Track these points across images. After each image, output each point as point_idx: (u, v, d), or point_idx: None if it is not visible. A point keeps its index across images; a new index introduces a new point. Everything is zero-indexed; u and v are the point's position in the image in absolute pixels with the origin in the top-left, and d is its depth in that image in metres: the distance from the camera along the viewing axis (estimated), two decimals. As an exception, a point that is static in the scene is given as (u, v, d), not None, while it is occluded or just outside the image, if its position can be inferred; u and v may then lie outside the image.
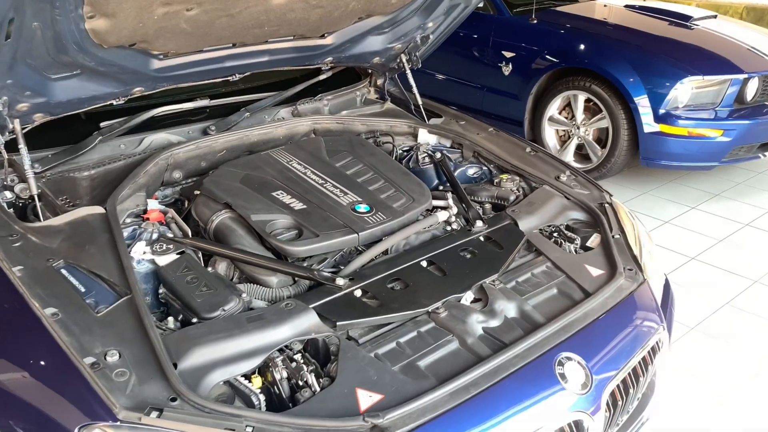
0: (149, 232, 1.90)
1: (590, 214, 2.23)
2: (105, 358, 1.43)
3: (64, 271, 1.66)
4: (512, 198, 2.30)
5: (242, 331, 1.54)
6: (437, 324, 1.69)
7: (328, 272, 1.82)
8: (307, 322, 1.60)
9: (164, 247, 1.80)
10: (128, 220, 1.99)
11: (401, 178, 2.23)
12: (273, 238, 1.88)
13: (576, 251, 2.09)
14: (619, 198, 2.32)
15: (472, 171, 2.55)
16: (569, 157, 4.83)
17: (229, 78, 2.41)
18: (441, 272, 1.86)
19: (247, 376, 1.52)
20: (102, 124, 2.33)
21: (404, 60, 2.83)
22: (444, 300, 1.74)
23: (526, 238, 2.06)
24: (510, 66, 4.99)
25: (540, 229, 2.13)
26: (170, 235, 1.89)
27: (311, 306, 1.65)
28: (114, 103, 2.18)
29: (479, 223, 2.06)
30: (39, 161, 2.13)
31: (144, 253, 1.80)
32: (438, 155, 2.52)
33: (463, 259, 1.93)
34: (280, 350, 1.56)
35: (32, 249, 1.72)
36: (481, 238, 2.03)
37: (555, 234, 2.12)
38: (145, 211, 2.03)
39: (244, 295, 1.68)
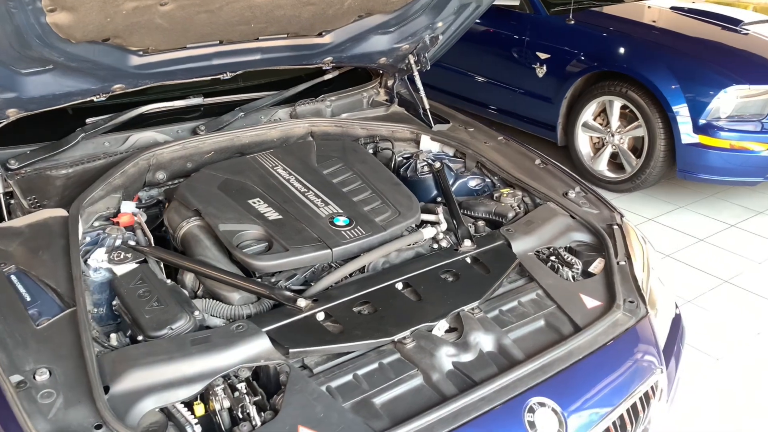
0: (112, 238, 1.80)
1: (596, 235, 2.04)
2: (34, 377, 1.33)
3: (13, 278, 1.58)
4: (511, 215, 2.12)
5: (184, 355, 1.43)
6: (403, 356, 1.54)
7: (293, 291, 1.69)
8: (257, 348, 1.48)
9: (122, 256, 1.71)
10: (96, 224, 1.91)
11: (391, 189, 2.09)
12: (238, 250, 1.76)
13: (574, 278, 1.91)
14: (652, 212, 2.13)
15: (473, 183, 2.38)
16: (602, 165, 4.59)
17: (219, 76, 2.30)
18: (416, 296, 1.71)
19: (190, 404, 1.40)
20: (88, 121, 2.26)
21: (412, 61, 2.68)
22: (413, 329, 1.59)
23: (518, 261, 1.89)
24: (544, 68, 4.78)
25: (537, 252, 1.96)
26: (133, 243, 1.80)
27: (266, 329, 1.52)
28: (95, 99, 2.09)
29: (467, 243, 1.90)
30: (16, 157, 2.07)
31: (102, 261, 1.70)
32: (437, 164, 2.36)
33: (444, 283, 1.77)
34: (226, 377, 1.44)
35: None
36: (468, 260, 1.87)
37: (552, 257, 1.95)
38: (116, 214, 1.94)
39: (196, 313, 1.57)
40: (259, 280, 1.76)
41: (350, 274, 1.79)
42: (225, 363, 1.44)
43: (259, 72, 2.58)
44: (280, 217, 1.89)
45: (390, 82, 2.88)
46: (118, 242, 1.79)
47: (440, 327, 1.63)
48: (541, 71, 4.80)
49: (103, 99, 2.11)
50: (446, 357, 1.54)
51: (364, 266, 1.82)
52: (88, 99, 2.08)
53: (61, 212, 1.81)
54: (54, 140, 2.15)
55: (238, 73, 2.34)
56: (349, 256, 1.83)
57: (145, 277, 1.64)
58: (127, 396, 1.35)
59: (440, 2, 2.38)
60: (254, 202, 1.94)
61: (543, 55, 4.79)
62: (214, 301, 1.67)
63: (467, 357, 1.56)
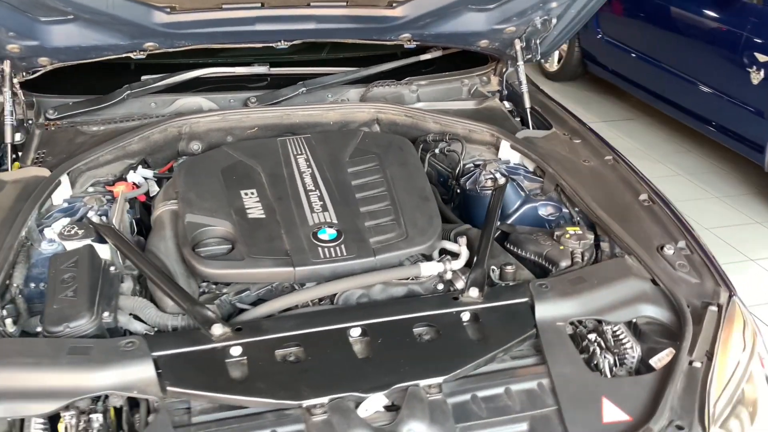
0: (86, 209, 1.66)
1: (676, 315, 1.46)
2: None
3: None
4: (564, 264, 1.60)
5: (53, 363, 1.22)
6: (312, 426, 1.18)
7: (217, 313, 1.39)
8: (136, 374, 1.22)
9: (72, 231, 1.54)
10: (91, 189, 1.78)
11: (415, 203, 1.68)
12: (187, 247, 1.51)
13: (610, 371, 1.37)
14: None
15: (545, 211, 1.86)
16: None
17: (273, 45, 2.04)
18: (367, 352, 1.32)
19: (53, 419, 1.20)
20: (143, 78, 2.15)
21: (518, 48, 2.18)
22: (335, 396, 1.21)
23: (536, 330, 1.39)
24: (762, 73, 3.83)
25: (573, 322, 1.44)
26: (97, 219, 1.63)
27: (157, 353, 1.26)
28: (132, 57, 1.96)
29: (473, 292, 1.44)
30: (57, 108, 2.02)
31: (55, 233, 1.56)
32: (502, 180, 1.88)
33: (412, 341, 1.35)
34: (96, 399, 1.21)
35: None
36: (465, 316, 1.41)
37: (593, 335, 1.42)
38: (113, 183, 1.80)
39: (105, 314, 1.35)
40: (202, 288, 1.50)
41: (309, 303, 1.45)
42: (94, 384, 1.21)
43: (348, 45, 2.27)
44: (263, 216, 1.60)
45: (504, 70, 2.40)
46: (91, 214, 1.64)
47: (374, 402, 1.23)
48: (757, 77, 3.86)
49: (142, 57, 1.98)
50: (355, 446, 1.15)
51: (332, 298, 1.47)
52: (124, 55, 1.95)
53: (45, 172, 1.70)
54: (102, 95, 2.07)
55: (295, 42, 2.06)
56: (317, 279, 1.49)
57: (81, 260, 1.45)
58: None
59: None
60: (246, 194, 1.67)
61: (763, 58, 3.84)
62: (145, 303, 1.44)
63: None
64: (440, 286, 1.52)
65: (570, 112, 2.28)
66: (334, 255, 1.49)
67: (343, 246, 1.51)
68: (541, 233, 1.72)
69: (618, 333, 1.46)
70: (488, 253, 1.57)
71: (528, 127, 2.15)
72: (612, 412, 1.25)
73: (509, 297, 1.46)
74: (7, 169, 1.80)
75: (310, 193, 1.68)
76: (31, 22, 1.74)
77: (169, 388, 1.21)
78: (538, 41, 2.16)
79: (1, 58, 1.81)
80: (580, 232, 1.67)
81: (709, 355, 1.36)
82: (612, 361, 1.39)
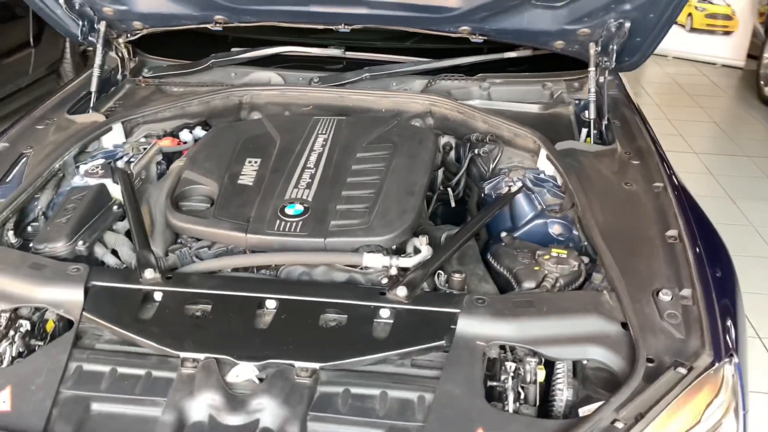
0: (122, 154, 1.88)
1: (631, 366, 1.26)
2: None
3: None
4: (527, 285, 1.46)
5: (13, 272, 1.43)
6: (176, 378, 1.24)
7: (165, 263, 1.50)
8: (66, 296, 1.38)
9: (94, 170, 1.77)
10: (142, 139, 2.00)
11: (397, 195, 1.63)
12: (168, 198, 1.64)
13: (515, 405, 1.23)
14: None
15: (556, 229, 1.69)
16: None
17: (334, 27, 2.10)
18: (267, 324, 1.34)
19: None
20: (233, 50, 2.35)
21: (592, 53, 1.98)
22: (210, 356, 1.26)
23: (445, 343, 1.30)
24: None
25: (504, 347, 1.31)
26: (125, 167, 1.82)
27: (93, 283, 1.41)
28: (210, 27, 2.15)
29: (401, 291, 1.38)
30: (153, 68, 2.30)
31: (83, 170, 1.80)
32: (516, 187, 1.75)
33: (314, 324, 1.34)
34: (40, 309, 1.40)
35: (33, 136, 1.90)
36: (384, 312, 1.36)
37: (512, 364, 1.28)
38: (162, 137, 2.01)
39: (80, 243, 1.53)
40: (181, 239, 1.62)
41: (252, 269, 1.51)
42: (34, 296, 1.39)
43: (435, 37, 2.25)
44: (249, 184, 1.68)
45: (602, 79, 2.19)
46: (123, 160, 1.85)
47: (244, 370, 1.25)
48: None
49: (219, 29, 2.16)
50: (205, 405, 1.19)
51: (276, 269, 1.51)
52: (203, 25, 2.15)
53: (101, 118, 1.95)
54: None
55: (357, 26, 2.10)
56: (266, 249, 1.53)
57: (87, 195, 1.66)
58: None
59: None
60: (249, 162, 1.76)
61: None
62: (124, 241, 1.61)
63: (231, 419, 1.18)
64: (384, 281, 1.48)
65: (650, 131, 2.02)
66: (287, 229, 1.52)
67: (300, 223, 1.54)
68: (527, 249, 1.57)
69: (558, 371, 1.30)
70: (448, 257, 1.49)
71: (596, 140, 1.96)
72: (478, 443, 1.14)
73: (438, 304, 1.37)
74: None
75: (305, 171, 1.73)
76: (117, -14, 2.00)
77: (84, 314, 1.35)
78: (615, 47, 1.95)
79: (99, 19, 2.11)
80: (564, 256, 1.50)
81: (639, 418, 1.17)
82: (522, 396, 1.25)
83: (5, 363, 1.29)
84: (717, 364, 1.27)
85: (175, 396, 1.20)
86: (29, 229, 1.66)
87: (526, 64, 2.32)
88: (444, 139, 2.09)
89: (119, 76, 2.26)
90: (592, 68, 1.99)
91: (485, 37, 2.08)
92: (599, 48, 1.98)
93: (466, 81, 2.21)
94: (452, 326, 1.31)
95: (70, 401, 1.20)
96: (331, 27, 2.11)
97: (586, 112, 2.13)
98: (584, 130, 2.03)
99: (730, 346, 1.35)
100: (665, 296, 1.38)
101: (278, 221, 1.55)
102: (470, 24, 2.01)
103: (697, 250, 1.53)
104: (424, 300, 1.38)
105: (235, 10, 2.05)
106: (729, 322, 1.42)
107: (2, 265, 1.44)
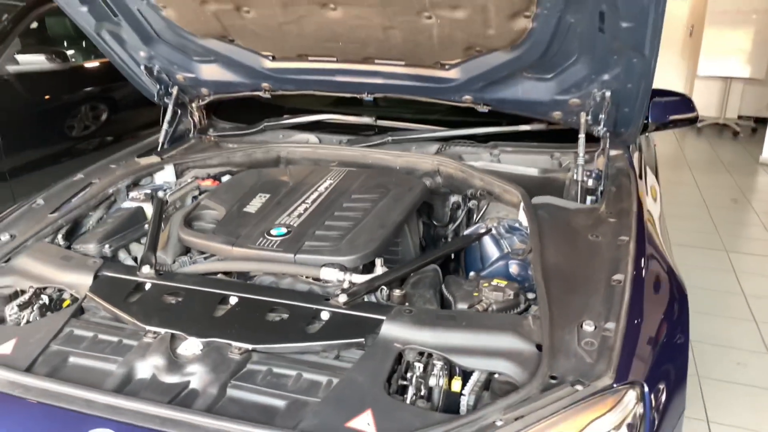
0: (166, 188, 2.25)
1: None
2: None
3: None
4: (460, 306, 1.60)
5: (49, 261, 1.79)
6: (138, 345, 1.50)
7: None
8: (80, 281, 1.71)
9: (138, 196, 2.15)
10: (189, 179, 2.38)
11: (370, 227, 1.85)
12: (182, 218, 1.96)
13: (412, 398, 1.36)
14: None
15: (514, 270, 1.81)
16: None
17: (359, 96, 2.42)
18: (223, 313, 1.58)
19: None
20: (284, 116, 2.74)
21: (582, 121, 2.14)
22: (168, 330, 1.51)
23: (363, 340, 1.47)
24: None
25: (423, 352, 1.46)
26: (163, 196, 2.18)
27: (103, 273, 1.73)
28: (261, 95, 2.55)
29: (342, 298, 1.57)
30: (218, 129, 2.74)
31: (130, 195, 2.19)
32: (483, 230, 1.90)
33: (260, 316, 1.56)
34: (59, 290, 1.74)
35: (104, 171, 2.34)
36: (323, 314, 1.56)
37: (420, 364, 1.42)
38: (205, 179, 2.38)
39: (106, 247, 1.89)
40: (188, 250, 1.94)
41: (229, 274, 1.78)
42: (55, 278, 1.73)
43: (459, 110, 2.51)
44: (252, 212, 1.97)
45: (615, 152, 2.32)
46: (160, 193, 2.22)
47: (192, 344, 1.48)
48: None
49: (268, 97, 2.55)
50: (151, 366, 1.43)
51: (250, 274, 1.77)
52: (253, 93, 2.55)
53: (156, 160, 2.36)
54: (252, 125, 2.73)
55: (377, 95, 2.40)
56: (247, 260, 1.79)
57: (126, 213, 2.05)
58: None
59: (591, 45, 1.89)
60: (260, 196, 2.07)
61: None
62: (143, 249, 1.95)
63: (167, 378, 1.41)
64: (338, 292, 1.67)
65: (640, 199, 2.09)
66: (266, 246, 1.78)
67: (279, 241, 1.79)
68: (476, 280, 1.71)
69: (469, 380, 1.42)
70: (393, 277, 1.67)
71: (581, 201, 2.08)
72: (363, 423, 1.28)
73: (370, 311, 1.55)
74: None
75: (301, 204, 2.00)
76: (188, 60, 2.46)
77: (88, 294, 1.67)
78: (603, 116, 2.09)
79: (173, 84, 2.58)
80: (502, 285, 1.63)
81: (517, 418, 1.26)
82: (421, 393, 1.37)
83: (22, 324, 1.63)
84: (615, 386, 1.33)
85: (130, 357, 1.45)
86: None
87: (539, 137, 2.49)
88: (453, 198, 2.29)
89: (191, 135, 2.70)
90: (581, 135, 2.14)
91: (489, 107, 2.30)
92: (590, 117, 2.13)
93: (477, 147, 2.42)
94: (377, 329, 1.49)
95: (54, 353, 1.50)
96: (356, 95, 2.43)
97: (590, 181, 2.26)
98: (589, 198, 2.14)
99: (641, 375, 1.40)
100: (588, 327, 1.46)
101: (262, 239, 1.81)
102: (471, 94, 2.25)
103: (638, 293, 1.59)
104: (361, 307, 1.57)
105: (277, 79, 2.44)
106: (651, 356, 1.46)
107: (40, 254, 1.81)
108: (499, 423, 1.26)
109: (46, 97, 4.26)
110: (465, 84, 2.19)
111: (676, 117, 2.70)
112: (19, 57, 3.98)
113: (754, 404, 2.84)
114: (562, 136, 2.44)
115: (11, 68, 3.95)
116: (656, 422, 1.39)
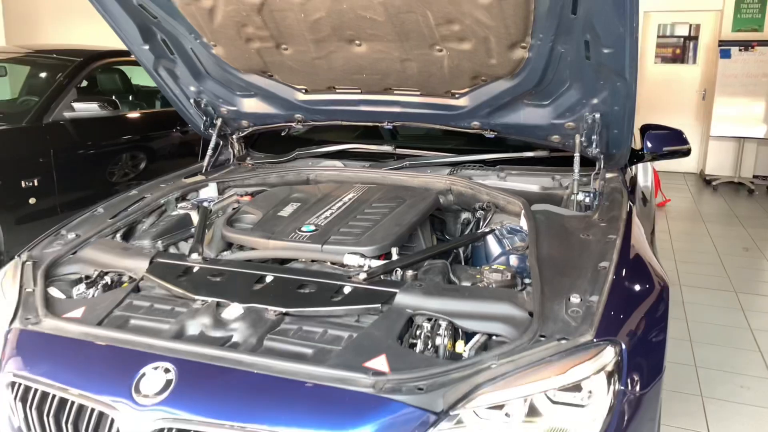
0: (209, 201, 2.56)
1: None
2: None
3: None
4: (468, 284, 1.85)
5: (110, 251, 2.08)
6: (188, 309, 1.76)
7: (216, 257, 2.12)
8: (137, 265, 1.99)
9: (186, 205, 2.46)
10: (229, 193, 2.69)
11: (387, 225, 2.13)
12: (224, 218, 2.26)
13: (422, 350, 1.60)
14: None
15: (514, 262, 2.07)
16: None
17: (380, 124, 2.73)
18: (260, 287, 1.85)
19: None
20: (313, 147, 3.06)
21: (577, 142, 2.42)
22: (214, 299, 1.78)
23: (380, 307, 1.72)
24: None
25: (431, 318, 1.70)
26: (207, 205, 2.49)
27: (158, 259, 2.02)
28: (294, 125, 2.88)
29: (362, 276, 1.83)
30: (255, 158, 3.07)
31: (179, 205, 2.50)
32: (490, 228, 2.18)
33: (295, 289, 1.82)
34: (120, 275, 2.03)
35: (156, 187, 2.66)
36: (346, 288, 1.81)
37: (429, 324, 1.66)
38: (243, 195, 2.69)
39: (158, 243, 2.20)
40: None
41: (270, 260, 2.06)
42: (117, 264, 2.02)
43: (461, 138, 2.82)
44: (285, 216, 2.26)
45: (611, 176, 2.58)
46: (204, 203, 2.52)
47: (235, 309, 1.74)
48: None
49: (300, 128, 2.88)
50: (200, 324, 1.69)
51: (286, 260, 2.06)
52: (287, 123, 2.89)
53: (201, 179, 2.68)
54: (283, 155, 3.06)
55: (397, 123, 2.71)
56: (282, 249, 2.06)
57: (175, 218, 2.36)
58: None
59: (581, 72, 2.18)
60: (292, 204, 2.36)
61: None
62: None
63: (213, 333, 1.67)
64: (361, 275, 1.93)
65: (631, 213, 2.32)
66: (298, 239, 2.06)
67: (308, 235, 2.07)
68: (481, 268, 1.96)
69: (471, 341, 1.66)
70: (407, 262, 1.93)
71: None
72: (378, 363, 1.51)
73: (386, 286, 1.80)
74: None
75: (327, 210, 2.28)
76: (232, 94, 2.81)
77: (145, 274, 1.95)
78: (596, 137, 2.37)
79: (217, 116, 2.93)
80: (501, 269, 1.88)
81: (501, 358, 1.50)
82: (429, 346, 1.61)
83: (89, 296, 1.91)
84: (595, 341, 1.56)
85: (182, 317, 1.72)
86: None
87: (542, 164, 2.77)
88: (464, 215, 2.56)
89: (231, 163, 3.03)
90: (576, 153, 2.41)
91: (495, 132, 2.60)
92: (584, 139, 2.41)
93: (485, 170, 2.70)
94: (391, 300, 1.74)
95: (117, 317, 1.77)
96: (377, 124, 2.75)
97: (587, 198, 2.52)
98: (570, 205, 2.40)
99: (620, 336, 1.62)
100: (575, 299, 1.70)
101: (294, 234, 2.09)
102: (479, 120, 2.55)
103: (621, 275, 1.83)
104: (378, 283, 1.82)
105: (308, 110, 2.77)
106: (630, 324, 1.69)
107: (102, 246, 2.11)
108: (493, 366, 1.49)
109: (95, 141, 4.67)
110: (473, 111, 2.50)
111: (670, 148, 2.97)
112: (75, 104, 4.41)
113: (755, 420, 2.97)
114: (563, 162, 2.71)
115: (68, 114, 4.38)
116: (635, 380, 1.60)
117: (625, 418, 1.55)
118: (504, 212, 2.38)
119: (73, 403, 1.53)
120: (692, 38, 9.28)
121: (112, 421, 1.47)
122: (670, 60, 9.43)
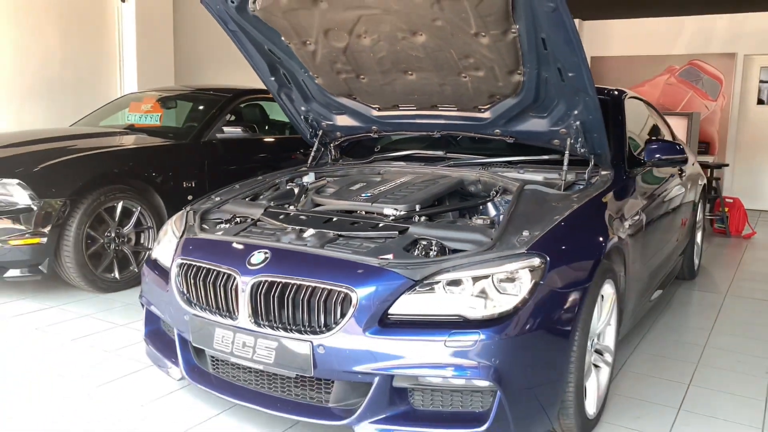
0: (292, 184, 3.68)
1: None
2: None
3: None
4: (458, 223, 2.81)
5: (240, 204, 3.24)
6: (283, 234, 2.84)
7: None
8: (256, 211, 3.13)
9: (292, 184, 3.59)
10: (287, 185, 3.78)
11: (425, 191, 3.12)
12: (315, 187, 3.37)
13: (421, 255, 2.57)
14: None
15: (497, 216, 2.99)
16: None
17: (431, 134, 3.75)
18: (329, 223, 2.90)
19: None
20: (388, 152, 4.13)
21: (568, 144, 3.29)
22: (297, 227, 2.85)
23: (397, 234, 2.71)
24: None
25: (426, 237, 2.67)
26: (305, 183, 3.60)
27: (270, 209, 3.14)
28: (372, 135, 3.96)
29: (391, 217, 2.85)
30: (346, 160, 4.19)
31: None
32: (494, 191, 3.13)
33: (348, 225, 2.85)
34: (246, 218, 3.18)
35: (255, 183, 3.84)
36: (381, 224, 2.82)
37: (425, 241, 2.63)
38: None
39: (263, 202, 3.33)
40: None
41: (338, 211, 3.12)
42: (243, 211, 3.17)
43: (495, 143, 3.77)
44: (353, 189, 3.32)
45: (605, 171, 3.43)
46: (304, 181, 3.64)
47: (310, 231, 2.80)
48: None
49: (375, 136, 3.96)
50: (288, 236, 2.77)
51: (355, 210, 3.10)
52: (367, 134, 3.97)
53: (305, 168, 3.82)
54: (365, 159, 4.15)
55: (443, 132, 3.71)
56: (349, 205, 3.11)
57: (283, 190, 3.50)
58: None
59: (562, 91, 3.09)
60: (359, 182, 3.42)
61: None
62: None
63: (287, 239, 2.74)
64: (390, 218, 2.92)
65: (601, 197, 3.15)
66: (358, 200, 3.10)
67: (365, 198, 3.11)
68: (474, 217, 2.91)
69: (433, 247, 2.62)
70: (428, 212, 2.92)
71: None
72: (388, 256, 2.51)
73: (405, 223, 2.80)
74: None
75: (381, 187, 3.30)
76: (329, 112, 3.95)
77: (260, 216, 3.07)
78: (581, 139, 3.23)
79: (319, 128, 4.08)
80: (484, 217, 2.82)
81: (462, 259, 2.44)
82: (425, 251, 2.58)
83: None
84: (527, 251, 2.46)
85: (278, 234, 2.81)
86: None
87: (554, 163, 3.64)
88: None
89: (328, 164, 4.17)
90: (566, 152, 3.29)
91: (513, 138, 3.52)
92: (573, 141, 3.28)
93: (510, 167, 3.62)
94: (406, 230, 2.73)
95: (241, 234, 2.89)
96: (429, 133, 3.76)
97: (576, 186, 3.37)
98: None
99: (547, 252, 2.49)
100: (526, 233, 2.61)
101: (356, 197, 3.14)
102: (499, 128, 3.48)
103: (566, 224, 2.70)
104: (400, 222, 2.82)
105: (381, 123, 3.83)
106: (560, 251, 2.55)
107: (236, 203, 3.28)
108: (453, 265, 2.43)
109: (237, 157, 6.01)
110: (494, 121, 3.45)
111: (667, 157, 3.74)
112: (225, 128, 5.80)
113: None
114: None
115: (219, 135, 5.77)
116: (555, 280, 2.47)
117: (545, 304, 2.43)
118: (509, 193, 3.29)
119: (212, 270, 2.65)
120: (794, 80, 9.47)
121: (234, 279, 2.57)
122: (773, 102, 9.68)
